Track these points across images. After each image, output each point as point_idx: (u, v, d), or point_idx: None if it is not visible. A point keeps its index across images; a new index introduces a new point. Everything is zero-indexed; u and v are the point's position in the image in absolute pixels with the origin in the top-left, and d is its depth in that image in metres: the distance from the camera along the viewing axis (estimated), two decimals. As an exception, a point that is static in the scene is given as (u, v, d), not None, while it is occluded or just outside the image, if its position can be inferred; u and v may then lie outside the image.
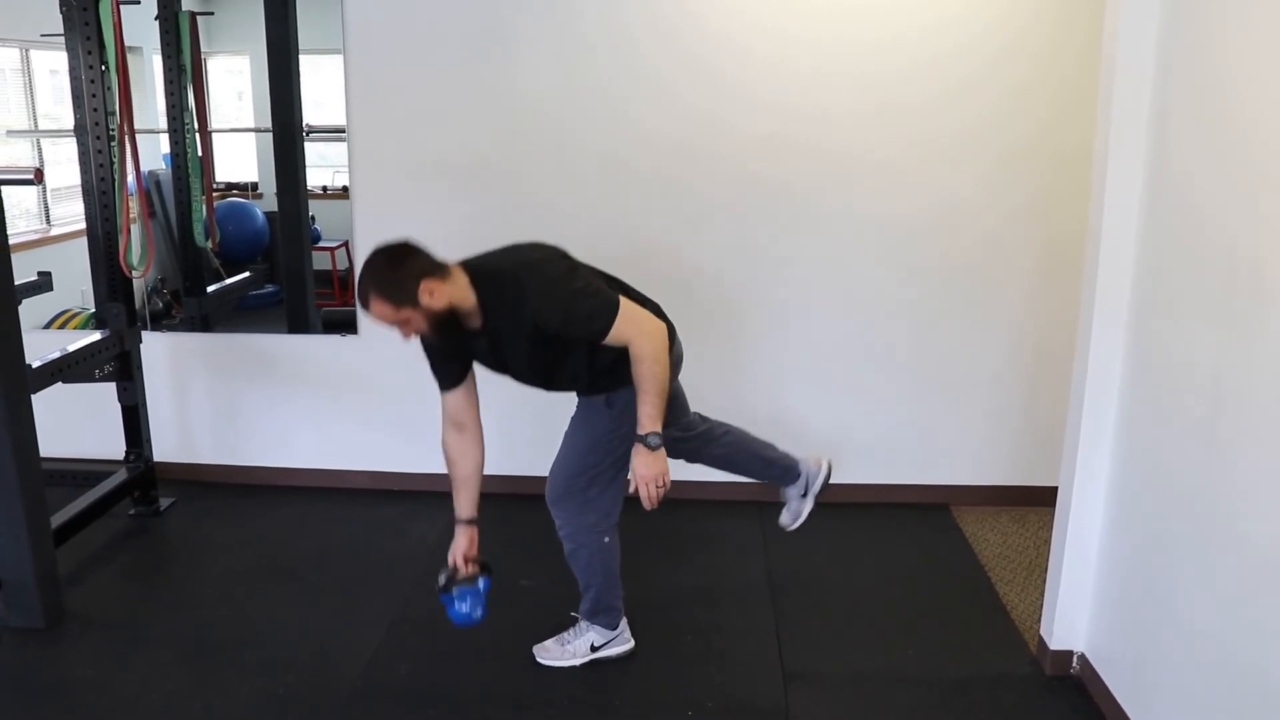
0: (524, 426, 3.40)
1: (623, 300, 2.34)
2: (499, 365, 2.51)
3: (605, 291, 2.35)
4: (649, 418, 2.35)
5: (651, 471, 2.38)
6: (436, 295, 2.25)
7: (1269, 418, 1.86)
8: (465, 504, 2.58)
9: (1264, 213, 1.88)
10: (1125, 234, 2.41)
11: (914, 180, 3.51)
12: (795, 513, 2.98)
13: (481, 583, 2.60)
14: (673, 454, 2.77)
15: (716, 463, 2.90)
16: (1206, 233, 2.10)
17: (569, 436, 2.60)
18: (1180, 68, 2.21)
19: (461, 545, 2.58)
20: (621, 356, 2.35)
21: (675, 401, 2.68)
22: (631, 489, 2.42)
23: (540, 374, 2.51)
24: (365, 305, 2.27)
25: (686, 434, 2.78)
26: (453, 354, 2.48)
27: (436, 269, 2.28)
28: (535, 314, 2.29)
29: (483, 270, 2.34)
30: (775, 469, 2.93)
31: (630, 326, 2.32)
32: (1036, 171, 3.48)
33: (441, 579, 2.57)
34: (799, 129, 3.48)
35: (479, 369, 2.54)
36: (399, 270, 2.24)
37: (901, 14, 3.37)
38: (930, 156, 3.49)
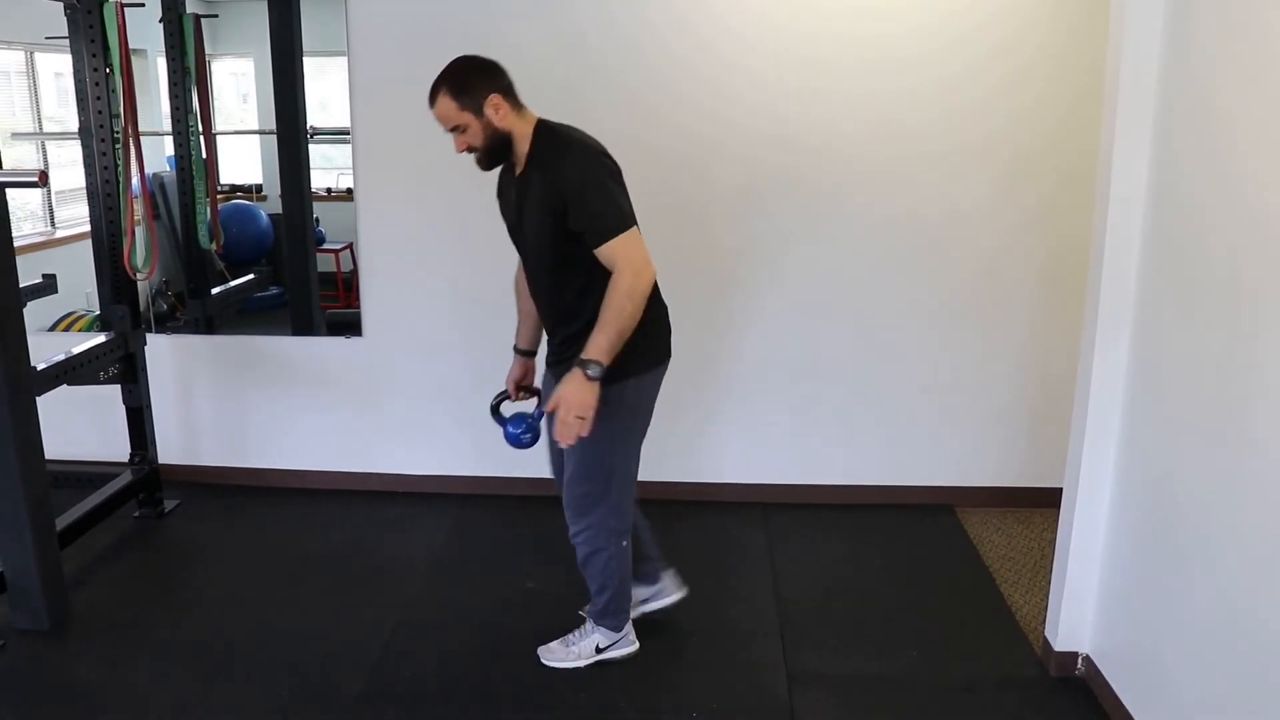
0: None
1: (635, 230, 2.33)
2: (518, 229, 2.52)
3: (626, 212, 2.35)
4: (599, 347, 2.27)
5: (578, 400, 2.27)
6: (501, 114, 2.34)
7: (1275, 418, 1.86)
8: (524, 336, 2.74)
9: (1266, 210, 1.88)
10: (1129, 236, 2.41)
11: (921, 185, 3.51)
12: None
13: (535, 411, 2.65)
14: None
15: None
16: (1210, 233, 2.10)
17: (570, 449, 2.53)
18: (1183, 70, 2.22)
19: (516, 373, 2.77)
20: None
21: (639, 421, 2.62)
22: (549, 406, 2.32)
23: (542, 263, 2.48)
24: (432, 100, 2.37)
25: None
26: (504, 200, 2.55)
27: (512, 95, 2.37)
28: (559, 180, 2.32)
29: (549, 126, 2.41)
30: (645, 565, 2.82)
31: (627, 251, 2.30)
32: (1043, 179, 3.48)
33: (494, 400, 2.72)
34: (809, 135, 3.48)
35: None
36: (476, 75, 2.34)
37: (917, 36, 3.38)
38: (939, 163, 3.49)
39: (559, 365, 2.56)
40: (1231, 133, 2.04)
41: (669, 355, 2.57)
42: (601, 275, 2.36)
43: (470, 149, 2.39)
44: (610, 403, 2.40)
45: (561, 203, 2.32)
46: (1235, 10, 2.03)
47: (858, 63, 3.41)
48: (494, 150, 2.39)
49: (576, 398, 2.28)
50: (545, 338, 2.69)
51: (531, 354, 2.77)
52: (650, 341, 2.46)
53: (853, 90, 3.44)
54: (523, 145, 2.39)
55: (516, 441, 2.63)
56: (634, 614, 2.82)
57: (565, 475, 2.61)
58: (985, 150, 3.47)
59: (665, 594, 2.91)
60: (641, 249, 2.33)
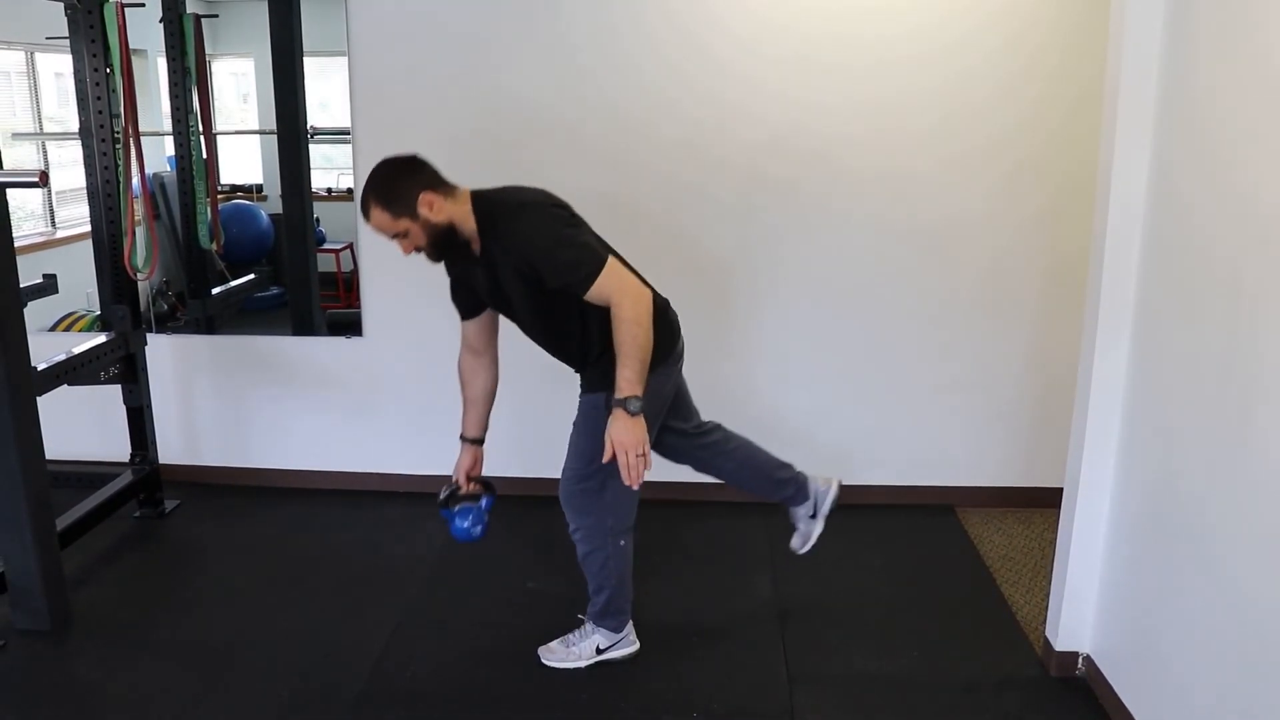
0: (533, 428, 3.40)
1: (611, 259, 2.31)
2: (501, 302, 2.50)
3: (596, 247, 2.33)
4: (628, 381, 2.24)
5: (630, 438, 2.23)
6: (436, 209, 2.29)
7: (1274, 419, 1.86)
8: (472, 423, 2.64)
9: (1265, 212, 1.88)
10: (1129, 238, 2.41)
11: (923, 187, 3.51)
12: (805, 535, 2.95)
13: (484, 501, 2.64)
14: (680, 459, 2.80)
15: (725, 476, 2.88)
16: (1209, 235, 2.10)
17: (574, 439, 2.59)
18: (1182, 76, 2.22)
19: (465, 463, 2.65)
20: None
21: (682, 398, 2.69)
22: (606, 456, 2.28)
23: (537, 322, 2.49)
24: (365, 214, 2.31)
25: (700, 438, 2.77)
26: (467, 284, 2.52)
27: (440, 184, 2.32)
28: (523, 248, 2.30)
29: (486, 197, 2.36)
30: (786, 489, 2.89)
31: (613, 283, 2.28)
32: (1047, 181, 3.47)
33: (443, 494, 2.63)
34: (811, 137, 3.48)
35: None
36: (401, 180, 2.28)
37: (918, 37, 3.38)
38: (941, 166, 3.49)
39: (583, 383, 2.58)
40: (1229, 136, 2.04)
41: (676, 357, 2.57)
42: (595, 311, 2.37)
43: (417, 249, 2.36)
44: (600, 409, 2.41)
45: (532, 269, 2.31)
46: (1233, 17, 2.03)
47: (860, 65, 3.41)
48: (440, 244, 2.36)
49: (628, 437, 2.24)
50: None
51: (480, 441, 2.68)
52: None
53: (855, 93, 3.43)
54: (467, 225, 2.35)
55: (466, 535, 2.61)
56: (818, 532, 2.90)
57: (564, 470, 2.61)
58: (990, 152, 3.47)
59: (825, 496, 2.89)
60: (627, 275, 2.33)
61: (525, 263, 2.31)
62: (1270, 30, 1.89)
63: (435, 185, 2.31)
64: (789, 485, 2.88)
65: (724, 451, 2.82)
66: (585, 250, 2.31)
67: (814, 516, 2.92)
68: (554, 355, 2.57)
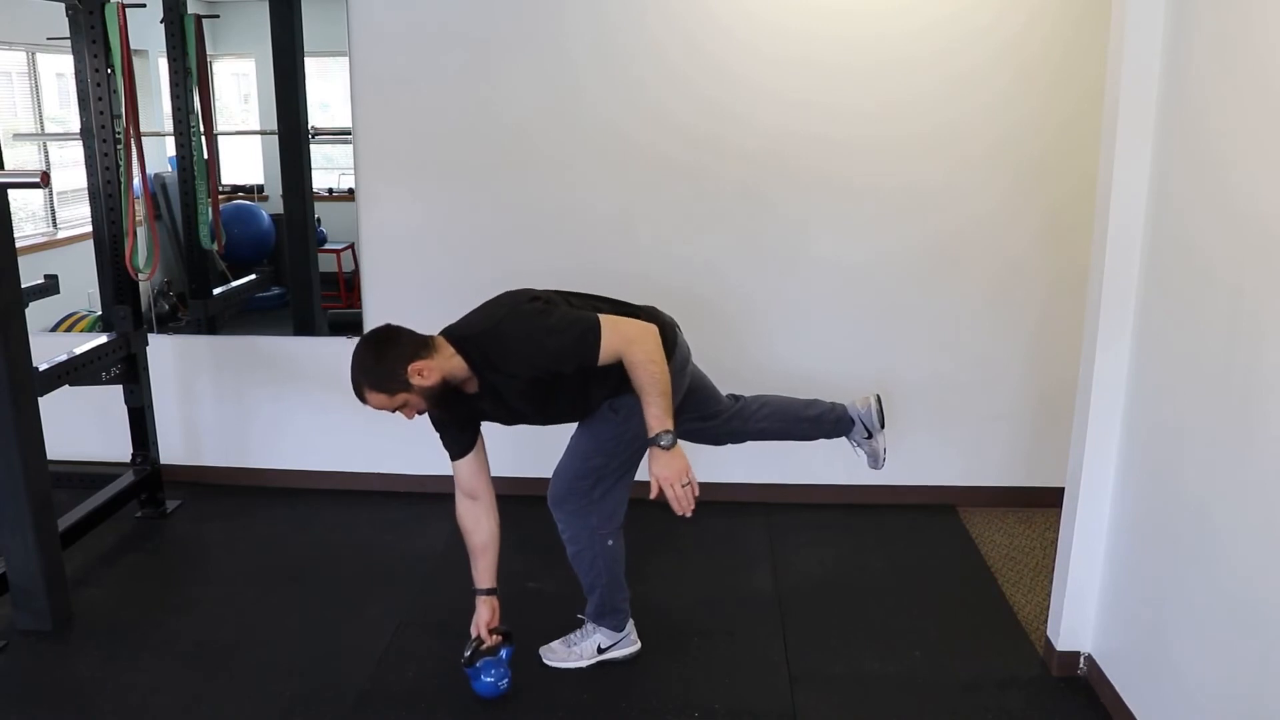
0: (532, 428, 3.38)
1: (602, 317, 2.33)
2: (512, 418, 2.51)
3: (581, 316, 2.34)
4: (656, 418, 2.28)
5: (671, 471, 2.27)
6: (427, 373, 2.28)
7: (1275, 418, 1.85)
8: (484, 573, 2.58)
9: (1265, 212, 1.87)
10: (1130, 239, 2.40)
11: (926, 188, 3.51)
12: (872, 454, 2.95)
13: (504, 652, 2.59)
14: (716, 439, 2.84)
15: (763, 437, 2.89)
16: (1211, 235, 2.10)
17: (574, 440, 2.60)
18: (1181, 84, 2.22)
19: (484, 616, 2.58)
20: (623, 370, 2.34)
21: (698, 392, 2.70)
22: (654, 494, 2.31)
23: (547, 410, 2.51)
24: (362, 399, 2.32)
25: (724, 416, 2.79)
26: (460, 422, 2.50)
27: (420, 348, 2.31)
28: (527, 363, 2.32)
29: (464, 336, 2.36)
30: (825, 425, 2.90)
31: (616, 337, 2.30)
32: (1054, 182, 3.47)
33: (466, 652, 2.55)
34: (816, 139, 3.48)
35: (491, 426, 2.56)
36: (385, 359, 2.28)
37: (922, 39, 3.38)
38: (945, 168, 3.49)
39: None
40: (1228, 140, 2.04)
41: (677, 364, 2.54)
42: (594, 377, 2.38)
43: (420, 412, 2.38)
44: (620, 410, 2.45)
45: (546, 371, 2.33)
46: (1231, 24, 2.03)
47: (862, 65, 3.41)
48: (441, 400, 2.35)
49: (669, 471, 2.27)
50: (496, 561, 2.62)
51: (495, 591, 2.60)
52: None
53: (858, 93, 3.43)
54: (459, 372, 2.34)
55: (494, 690, 2.55)
56: (883, 446, 2.93)
57: (558, 468, 2.62)
58: (994, 153, 3.46)
59: (870, 415, 2.90)
60: (622, 324, 2.34)
61: (534, 370, 2.33)
62: (1268, 35, 1.88)
63: (418, 352, 2.29)
64: (826, 419, 2.89)
65: (751, 416, 2.84)
66: (576, 325, 2.32)
67: (870, 437, 2.93)
68: (563, 423, 2.61)
